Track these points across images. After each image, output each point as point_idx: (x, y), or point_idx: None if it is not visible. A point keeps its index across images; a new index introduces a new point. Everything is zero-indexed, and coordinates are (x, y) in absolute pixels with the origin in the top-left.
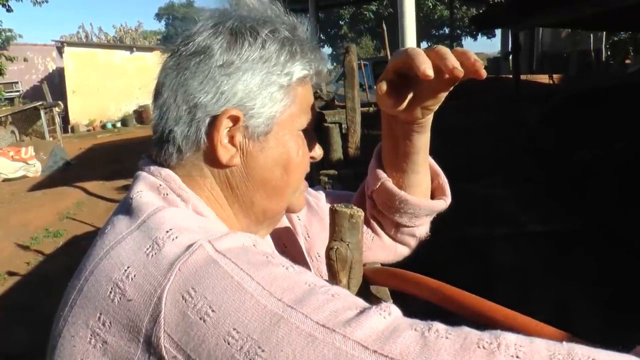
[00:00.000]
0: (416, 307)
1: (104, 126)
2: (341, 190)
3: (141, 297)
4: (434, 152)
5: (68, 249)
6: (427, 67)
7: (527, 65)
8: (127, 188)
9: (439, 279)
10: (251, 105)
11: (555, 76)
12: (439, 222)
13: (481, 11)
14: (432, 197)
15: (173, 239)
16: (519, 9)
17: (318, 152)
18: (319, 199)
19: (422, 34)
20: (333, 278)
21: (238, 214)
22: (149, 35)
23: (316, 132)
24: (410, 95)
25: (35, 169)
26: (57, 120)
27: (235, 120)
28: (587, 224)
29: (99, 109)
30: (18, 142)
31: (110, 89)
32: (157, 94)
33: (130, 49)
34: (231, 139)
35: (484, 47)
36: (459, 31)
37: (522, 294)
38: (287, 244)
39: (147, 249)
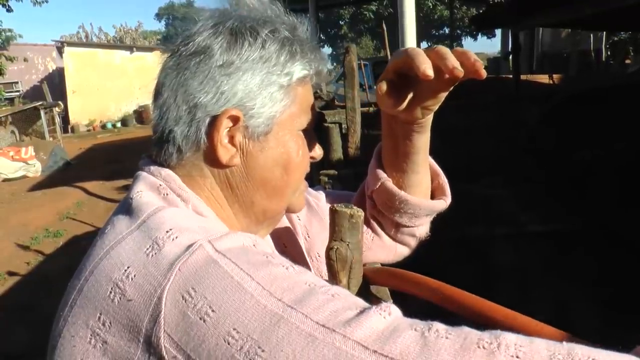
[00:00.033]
0: (416, 307)
1: (104, 126)
2: (341, 190)
3: (141, 297)
4: (434, 152)
5: (68, 249)
6: (427, 67)
7: (527, 65)
8: (127, 188)
9: (439, 279)
10: (251, 105)
11: (555, 76)
12: (439, 222)
13: (481, 11)
14: (432, 197)
15: (173, 239)
16: (519, 9)
17: (318, 152)
18: (319, 199)
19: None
20: (333, 278)
21: (238, 214)
22: (149, 35)
23: (316, 132)
24: (410, 95)
25: (35, 169)
26: (57, 120)
27: (235, 120)
28: (587, 224)
29: (99, 109)
30: (18, 142)
31: (110, 89)
32: (157, 94)
33: (130, 49)
34: (231, 139)
35: (484, 47)
36: (459, 31)
37: (522, 294)
38: (287, 244)
39: (147, 249)
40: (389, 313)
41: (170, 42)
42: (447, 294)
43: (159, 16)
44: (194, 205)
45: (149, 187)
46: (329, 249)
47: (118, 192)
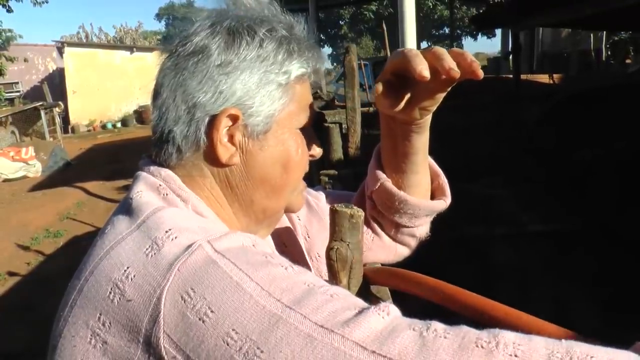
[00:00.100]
0: (416, 307)
1: (104, 126)
2: (341, 190)
3: (140, 298)
4: (434, 152)
5: (68, 249)
6: (423, 69)
7: (528, 65)
8: (128, 188)
9: (439, 279)
10: (250, 104)
11: (555, 76)
12: (439, 222)
13: (481, 11)
14: (432, 197)
15: (172, 239)
16: (519, 9)
17: (317, 150)
18: (319, 199)
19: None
20: (333, 278)
21: (238, 213)
22: (149, 36)
23: (316, 131)
24: (407, 96)
25: (35, 169)
26: (58, 120)
27: (234, 119)
28: (587, 224)
29: (99, 109)
30: (18, 142)
31: (110, 89)
32: (156, 94)
33: (130, 49)
34: (230, 138)
35: (484, 47)
36: (459, 31)
37: (522, 294)
38: (288, 244)
39: (147, 249)
40: (388, 313)
41: (168, 43)
42: (447, 293)
43: (159, 16)
44: (194, 205)
45: (149, 187)
46: (329, 249)
47: (118, 192)
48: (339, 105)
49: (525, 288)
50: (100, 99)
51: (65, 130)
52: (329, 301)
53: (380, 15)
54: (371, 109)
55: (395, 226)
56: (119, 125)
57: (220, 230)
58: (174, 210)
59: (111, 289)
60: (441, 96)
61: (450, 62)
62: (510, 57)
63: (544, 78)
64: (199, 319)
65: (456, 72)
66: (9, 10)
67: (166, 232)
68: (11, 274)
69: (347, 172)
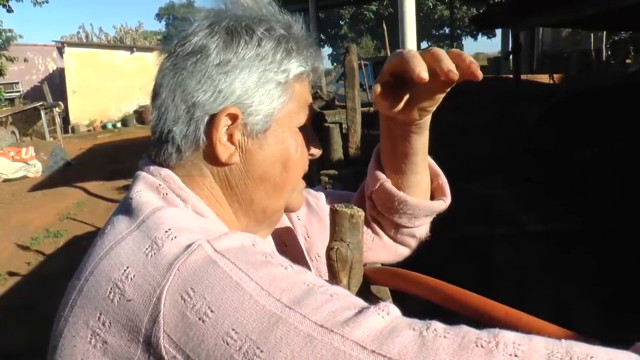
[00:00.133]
0: (416, 307)
1: (104, 126)
2: (341, 190)
3: (140, 297)
4: (434, 153)
5: (68, 249)
6: (421, 70)
7: (528, 65)
8: (128, 188)
9: (439, 279)
10: (249, 102)
11: (555, 76)
12: (439, 222)
13: (481, 11)
14: (432, 197)
15: (172, 239)
16: (519, 9)
17: (317, 149)
18: (319, 199)
19: (423, 34)
20: (333, 278)
21: (238, 213)
22: (149, 36)
23: (316, 131)
24: (406, 97)
25: (35, 169)
26: (58, 120)
27: (233, 118)
28: (586, 224)
29: (100, 109)
30: (18, 142)
31: (110, 89)
32: (155, 94)
33: (130, 49)
34: (230, 137)
35: (484, 47)
36: (459, 31)
37: (522, 294)
38: (288, 244)
39: (147, 249)
40: (388, 313)
41: (168, 43)
42: (448, 293)
43: (159, 16)
44: (194, 205)
45: (149, 187)
46: (329, 249)
47: (118, 192)
48: (339, 105)
49: (525, 288)
50: (101, 99)
51: (65, 130)
52: (329, 301)
53: (380, 15)
54: (371, 109)
55: (395, 226)
56: (119, 125)
57: (220, 230)
58: (173, 210)
59: (111, 288)
60: (440, 97)
61: (448, 64)
62: (511, 57)
63: (544, 78)
64: (199, 319)
65: (455, 74)
66: (9, 10)
67: (166, 231)
68: (11, 274)
69: (347, 172)
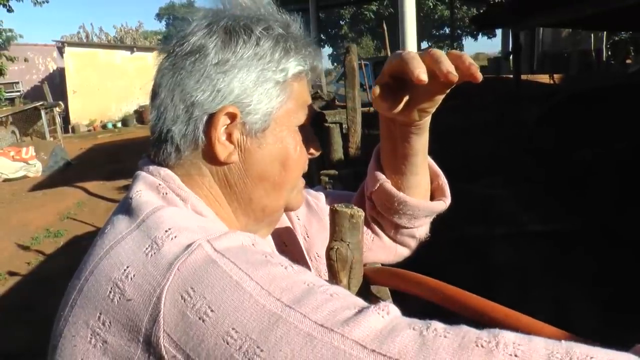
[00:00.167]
0: (416, 307)
1: (104, 126)
2: (341, 190)
3: (140, 297)
4: (434, 153)
5: (68, 249)
6: (421, 72)
7: (528, 65)
8: (128, 188)
9: (439, 279)
10: (248, 102)
11: (556, 76)
12: (439, 222)
13: (482, 11)
14: (432, 198)
15: (172, 239)
16: (519, 9)
17: (316, 148)
18: (319, 199)
19: (423, 34)
20: (333, 278)
21: (237, 212)
22: (149, 36)
23: (316, 131)
24: (406, 98)
25: (35, 169)
26: (58, 120)
27: (232, 117)
28: (586, 224)
29: (100, 109)
30: (19, 142)
31: (110, 89)
32: (154, 94)
33: (130, 49)
34: (229, 136)
35: (484, 47)
36: (459, 31)
37: (522, 294)
38: (288, 243)
39: (147, 248)
40: (388, 312)
41: (167, 43)
42: (448, 294)
43: (159, 16)
44: (193, 204)
45: (148, 187)
46: (329, 249)
47: (119, 192)
48: (339, 105)
49: (525, 288)
50: (101, 98)
51: (65, 130)
52: (329, 300)
53: (380, 15)
54: (371, 109)
55: (394, 227)
56: (119, 125)
57: (219, 230)
58: (173, 210)
59: (111, 288)
60: (440, 98)
61: (448, 66)
62: (511, 57)
63: (544, 78)
64: (199, 318)
65: (454, 76)
66: (10, 10)
67: (166, 231)
68: (11, 273)
69: (348, 172)
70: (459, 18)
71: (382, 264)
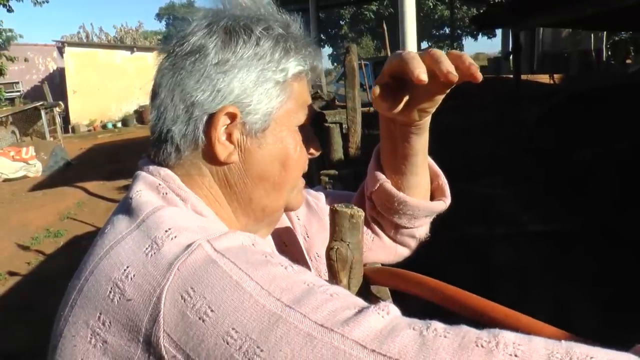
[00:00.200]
0: (416, 307)
1: (104, 126)
2: (341, 190)
3: (140, 297)
4: (434, 153)
5: (68, 249)
6: (421, 72)
7: (528, 65)
8: (128, 188)
9: (439, 279)
10: (248, 102)
11: (556, 76)
12: (439, 222)
13: (482, 11)
14: (432, 198)
15: (172, 239)
16: (519, 9)
17: (316, 148)
18: (319, 199)
19: (423, 34)
20: (333, 278)
21: (237, 212)
22: (149, 36)
23: (316, 131)
24: (406, 98)
25: (35, 169)
26: (58, 120)
27: (232, 117)
28: (586, 224)
29: (100, 109)
30: (19, 142)
31: (110, 89)
32: (154, 94)
33: (130, 49)
34: (229, 136)
35: (484, 47)
36: (459, 31)
37: (522, 294)
38: (288, 243)
39: (147, 248)
40: (388, 312)
41: (167, 43)
42: (448, 294)
43: (159, 16)
44: (193, 204)
45: (148, 187)
46: (329, 249)
47: (119, 192)
48: (339, 105)
49: (525, 288)
50: (101, 98)
51: (65, 130)
52: (329, 300)
53: (380, 15)
54: (372, 109)
55: (394, 227)
56: (119, 125)
57: (219, 230)
58: (173, 210)
59: (111, 288)
60: (440, 98)
61: (448, 66)
62: (511, 57)
63: (544, 78)
64: (199, 318)
65: (454, 76)
66: (10, 10)
67: (166, 231)
68: (11, 273)
69: (348, 172)
70: (459, 18)
71: (382, 264)
